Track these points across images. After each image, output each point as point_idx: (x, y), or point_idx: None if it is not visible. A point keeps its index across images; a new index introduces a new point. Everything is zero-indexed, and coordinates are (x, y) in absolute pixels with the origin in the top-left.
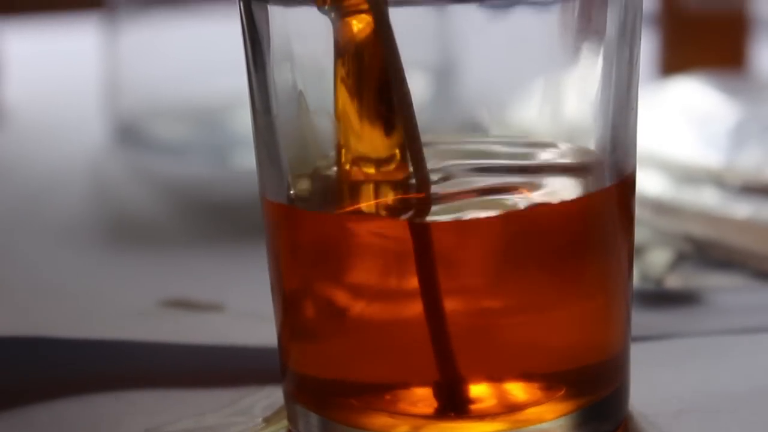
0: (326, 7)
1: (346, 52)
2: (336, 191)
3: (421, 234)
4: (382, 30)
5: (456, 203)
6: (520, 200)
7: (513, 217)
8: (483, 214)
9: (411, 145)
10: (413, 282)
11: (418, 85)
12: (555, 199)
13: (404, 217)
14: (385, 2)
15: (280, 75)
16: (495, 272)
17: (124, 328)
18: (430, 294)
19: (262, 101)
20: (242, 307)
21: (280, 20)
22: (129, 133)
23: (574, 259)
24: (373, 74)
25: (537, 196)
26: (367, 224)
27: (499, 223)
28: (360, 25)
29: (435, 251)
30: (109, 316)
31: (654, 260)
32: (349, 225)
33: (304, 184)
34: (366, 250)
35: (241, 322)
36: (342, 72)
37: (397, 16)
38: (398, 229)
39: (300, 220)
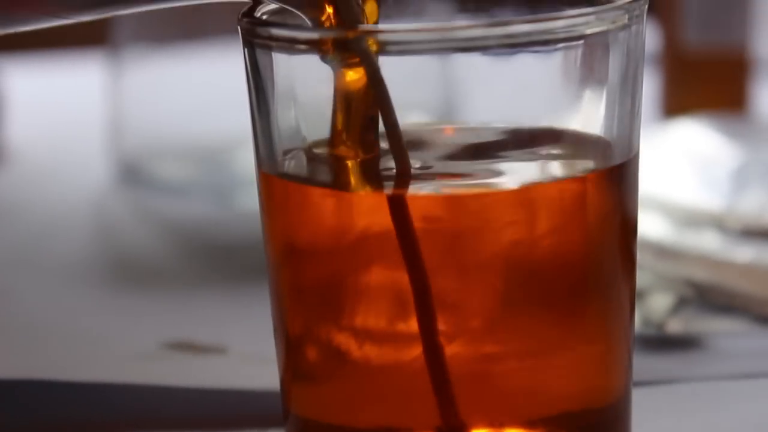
0: (329, 57)
1: (345, 99)
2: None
3: (400, 207)
4: (375, 83)
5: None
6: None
7: (498, 194)
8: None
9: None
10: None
11: None
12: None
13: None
14: (376, 54)
15: (284, 121)
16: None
17: (126, 370)
18: (417, 274)
19: (266, 147)
20: (245, 349)
21: (285, 67)
22: (132, 173)
23: (574, 301)
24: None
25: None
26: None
27: (481, 199)
28: (357, 75)
29: (416, 227)
30: (111, 358)
31: (655, 305)
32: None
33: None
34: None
35: (244, 364)
36: (338, 117)
37: (400, 61)
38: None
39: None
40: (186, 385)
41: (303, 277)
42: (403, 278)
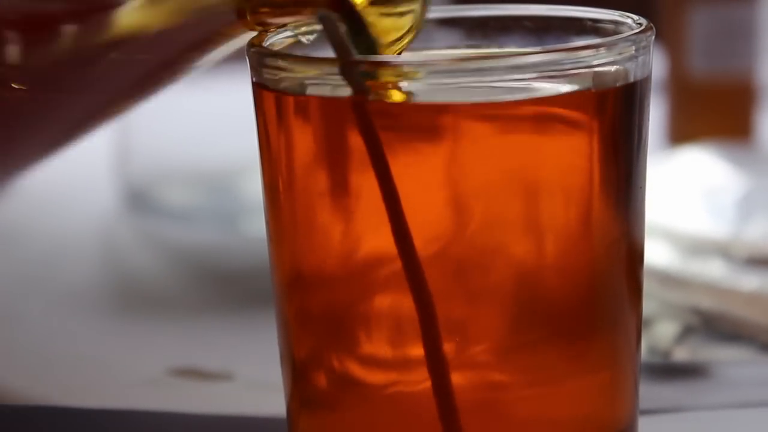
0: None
1: None
2: None
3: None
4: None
5: None
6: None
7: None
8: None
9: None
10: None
11: None
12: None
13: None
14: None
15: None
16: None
17: (133, 397)
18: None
19: (271, 180)
20: (252, 375)
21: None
22: (138, 199)
23: (581, 329)
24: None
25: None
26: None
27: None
28: None
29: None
30: (118, 384)
31: (661, 333)
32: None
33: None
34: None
35: (251, 391)
36: None
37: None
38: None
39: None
40: (192, 412)
41: (310, 302)
42: (409, 303)
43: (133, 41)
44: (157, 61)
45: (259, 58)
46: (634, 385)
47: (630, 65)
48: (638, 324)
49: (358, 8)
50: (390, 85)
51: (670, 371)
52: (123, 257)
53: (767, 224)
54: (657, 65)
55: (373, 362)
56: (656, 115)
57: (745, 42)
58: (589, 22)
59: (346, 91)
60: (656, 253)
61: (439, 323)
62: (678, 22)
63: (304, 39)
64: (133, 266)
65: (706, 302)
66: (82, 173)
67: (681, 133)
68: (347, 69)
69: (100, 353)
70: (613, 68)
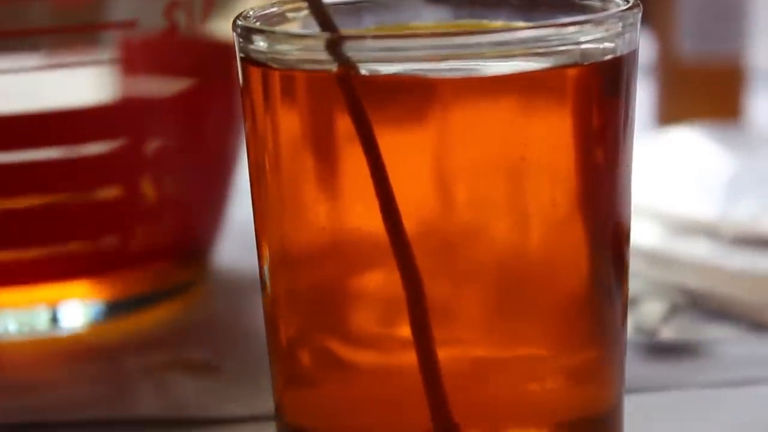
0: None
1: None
2: None
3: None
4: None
5: None
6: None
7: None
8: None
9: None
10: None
11: None
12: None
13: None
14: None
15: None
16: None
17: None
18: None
19: (257, 158)
20: (238, 368)
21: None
22: None
23: (567, 308)
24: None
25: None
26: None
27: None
28: None
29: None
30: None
31: (648, 312)
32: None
33: None
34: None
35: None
36: None
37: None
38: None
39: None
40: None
41: (297, 281)
42: (396, 281)
43: None
44: None
45: (245, 33)
46: (620, 364)
47: (617, 42)
48: (624, 303)
49: None
50: (376, 60)
51: (657, 350)
52: None
53: (754, 204)
54: (646, 47)
55: (360, 340)
56: (645, 98)
57: (733, 23)
58: None
59: (332, 66)
60: (643, 233)
61: (426, 301)
62: (667, 4)
63: (290, 15)
64: None
65: (693, 281)
66: None
67: (670, 115)
68: (333, 44)
69: None
70: (599, 45)
